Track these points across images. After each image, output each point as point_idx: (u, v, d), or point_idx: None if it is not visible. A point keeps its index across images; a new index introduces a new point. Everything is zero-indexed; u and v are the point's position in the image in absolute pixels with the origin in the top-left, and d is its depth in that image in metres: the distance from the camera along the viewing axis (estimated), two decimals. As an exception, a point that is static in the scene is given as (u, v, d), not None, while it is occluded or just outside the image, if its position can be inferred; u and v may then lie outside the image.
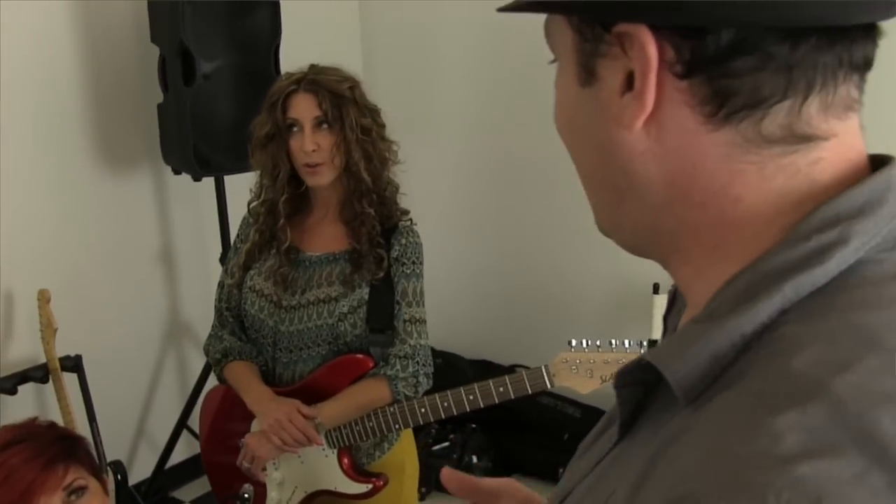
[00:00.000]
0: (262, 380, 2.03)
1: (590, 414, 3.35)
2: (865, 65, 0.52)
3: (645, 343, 1.94)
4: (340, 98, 1.91)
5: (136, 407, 3.46)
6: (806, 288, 0.49)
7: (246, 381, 2.02)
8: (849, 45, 0.50)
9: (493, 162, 3.77)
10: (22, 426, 1.65)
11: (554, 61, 0.59)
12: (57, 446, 1.58)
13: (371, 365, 1.98)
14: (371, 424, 1.96)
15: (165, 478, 3.42)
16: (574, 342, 1.94)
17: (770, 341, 0.48)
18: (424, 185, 3.69)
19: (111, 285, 3.26)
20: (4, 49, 2.84)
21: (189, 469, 3.50)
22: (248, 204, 2.12)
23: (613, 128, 0.54)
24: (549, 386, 1.91)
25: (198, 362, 3.41)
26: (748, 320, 0.49)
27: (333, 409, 1.96)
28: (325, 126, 1.92)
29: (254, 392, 2.00)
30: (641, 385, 0.57)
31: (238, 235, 2.18)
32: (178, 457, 3.42)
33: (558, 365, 1.92)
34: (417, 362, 1.99)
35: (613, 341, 1.93)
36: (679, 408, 0.52)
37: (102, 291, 3.23)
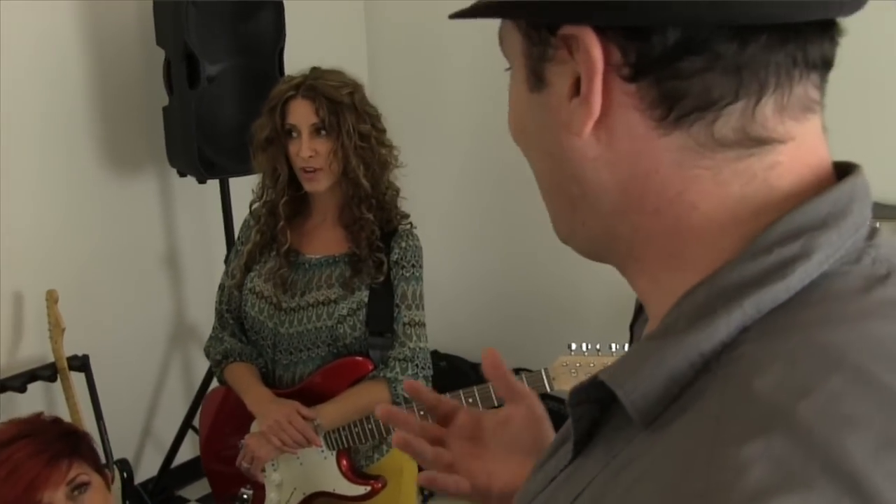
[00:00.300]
0: (262, 381, 2.05)
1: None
2: (824, 64, 0.50)
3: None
4: (338, 105, 1.91)
5: (143, 406, 3.50)
6: (767, 304, 0.47)
7: (246, 382, 2.04)
8: (802, 43, 0.48)
9: (498, 165, 3.77)
10: (27, 421, 1.67)
11: (509, 69, 0.58)
12: (61, 442, 1.61)
13: (370, 368, 1.99)
14: (370, 427, 1.97)
15: (171, 476, 3.45)
16: (574, 346, 1.93)
17: (729, 361, 0.46)
18: (429, 188, 3.71)
19: (117, 286, 3.30)
20: (10, 51, 2.87)
21: (194, 468, 3.51)
22: (251, 205, 2.14)
23: (563, 134, 0.52)
24: (548, 389, 1.91)
25: (203, 362, 3.42)
26: (706, 338, 0.47)
27: (333, 411, 1.97)
28: (322, 132, 1.93)
29: (253, 393, 2.01)
30: (597, 403, 0.54)
31: (239, 238, 2.19)
32: (183, 456, 3.45)
33: (558, 369, 1.92)
34: (417, 365, 2.00)
35: (614, 345, 1.92)
36: (636, 428, 0.49)
37: (109, 292, 3.27)
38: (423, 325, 2.05)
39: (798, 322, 0.46)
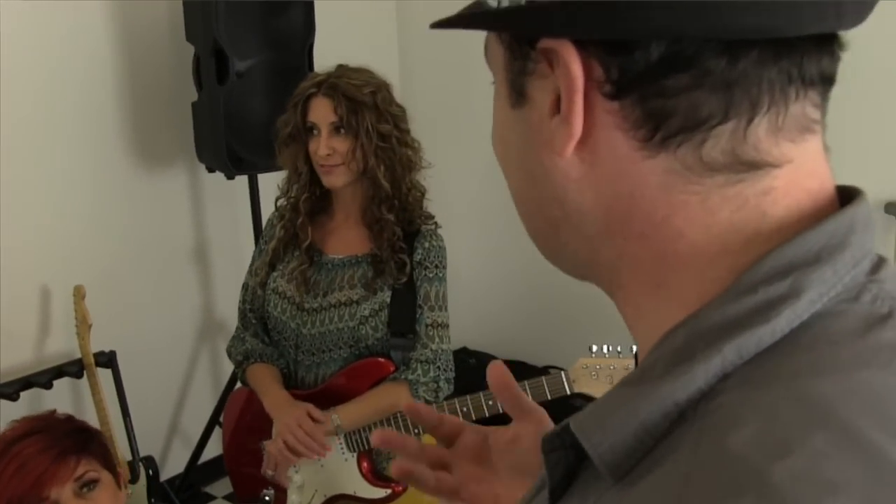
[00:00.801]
0: (281, 383, 2.03)
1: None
2: (823, 80, 0.46)
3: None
4: (358, 104, 1.89)
5: (170, 403, 3.50)
6: (750, 349, 0.42)
7: (265, 384, 2.03)
8: (798, 59, 0.44)
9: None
10: (39, 418, 1.68)
11: (494, 82, 0.55)
12: (71, 438, 1.61)
13: (392, 369, 1.97)
14: (390, 429, 1.95)
15: (198, 473, 3.45)
16: (595, 348, 1.91)
17: (706, 412, 0.41)
18: (458, 183, 3.68)
19: (145, 282, 3.30)
20: (42, 48, 2.88)
21: (221, 465, 3.48)
22: (276, 201, 2.13)
23: (545, 153, 0.49)
24: (568, 392, 1.89)
25: (231, 359, 3.44)
26: (682, 386, 0.43)
27: (353, 412, 1.95)
28: (341, 131, 1.91)
29: (271, 396, 2.00)
30: (572, 449, 0.49)
31: (263, 236, 2.18)
32: (210, 452, 3.45)
33: (578, 371, 1.89)
34: (438, 367, 1.97)
35: (635, 347, 1.88)
36: (607, 481, 0.45)
37: (137, 288, 3.27)
38: (447, 326, 2.01)
39: (783, 370, 0.41)
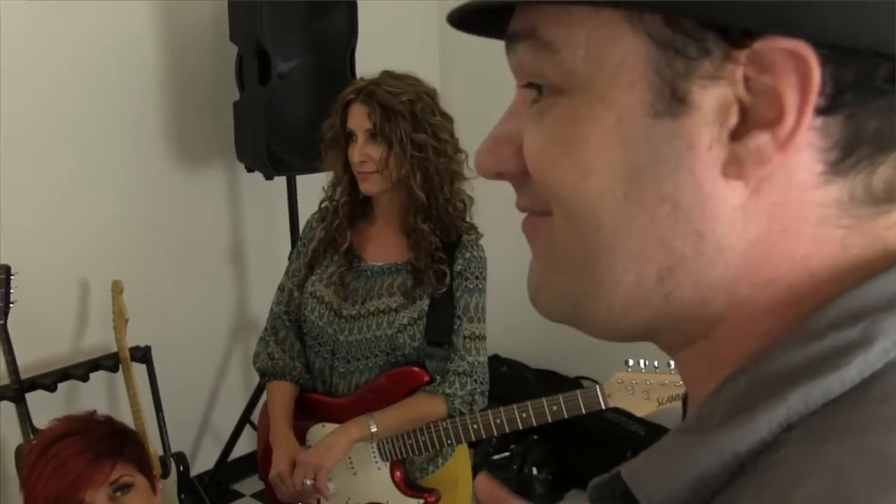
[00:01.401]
0: (290, 408, 2.06)
1: (654, 432, 3.27)
2: None
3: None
4: (392, 112, 1.88)
5: (201, 400, 3.53)
6: (817, 399, 0.39)
7: (274, 412, 2.06)
8: None
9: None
10: (79, 418, 1.69)
11: (539, 89, 0.46)
12: (107, 441, 1.62)
13: (426, 379, 1.96)
14: (423, 439, 1.94)
15: (227, 470, 3.47)
16: (631, 362, 1.88)
17: (768, 465, 0.38)
18: (494, 192, 3.65)
19: (182, 279, 3.33)
20: (86, 46, 2.92)
21: (251, 463, 3.52)
22: (320, 203, 2.13)
23: (709, 174, 0.41)
24: (603, 407, 1.86)
25: (263, 358, 3.45)
26: (743, 436, 0.39)
27: (389, 419, 1.94)
28: (377, 138, 1.90)
29: (273, 427, 2.04)
30: (622, 499, 0.46)
31: (301, 238, 2.18)
32: (240, 450, 3.47)
33: (613, 385, 1.86)
34: (475, 380, 1.96)
35: (672, 362, 1.85)
36: None
37: (173, 285, 3.30)
38: (483, 338, 2.00)
39: (853, 423, 0.38)
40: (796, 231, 0.41)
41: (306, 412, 2.07)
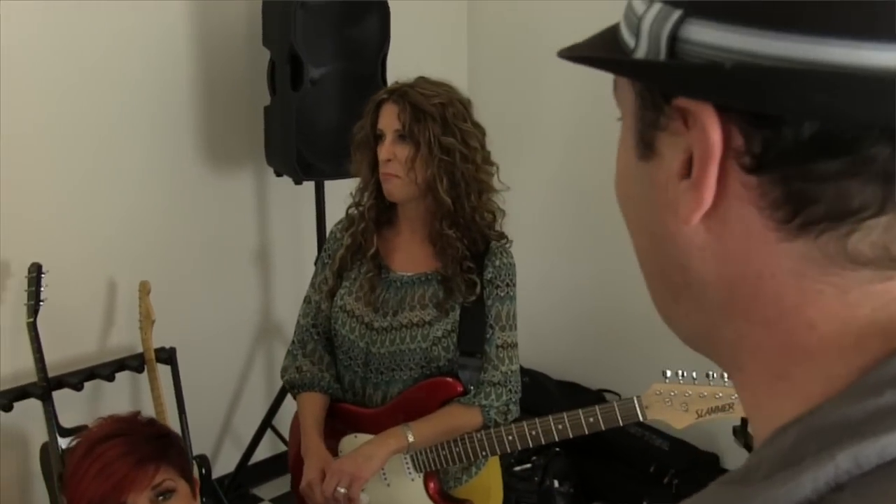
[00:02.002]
0: (322, 420, 2.04)
1: (678, 447, 3.25)
2: None
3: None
4: (423, 113, 1.86)
5: (224, 403, 3.52)
6: (870, 459, 0.37)
7: (305, 424, 2.04)
8: None
9: (593, 177, 3.66)
10: (123, 419, 1.69)
11: (621, 118, 0.51)
12: (151, 445, 1.61)
13: (459, 389, 1.95)
14: (458, 450, 1.93)
15: (247, 474, 3.46)
16: (669, 373, 1.84)
17: None
18: (520, 200, 3.64)
19: (208, 281, 3.33)
20: (124, 48, 2.93)
21: (271, 467, 3.53)
22: (347, 209, 2.12)
23: (669, 215, 0.44)
24: (640, 418, 1.84)
25: (286, 363, 3.45)
26: (787, 493, 0.38)
27: (425, 429, 1.93)
28: (405, 139, 1.89)
29: (305, 439, 2.02)
30: None
31: (325, 249, 2.17)
32: (261, 454, 3.46)
33: (651, 397, 1.84)
34: (510, 390, 1.95)
35: (711, 373, 1.83)
36: None
37: (199, 287, 3.30)
38: (516, 346, 1.99)
39: None
40: (771, 278, 0.42)
41: (338, 422, 2.06)
